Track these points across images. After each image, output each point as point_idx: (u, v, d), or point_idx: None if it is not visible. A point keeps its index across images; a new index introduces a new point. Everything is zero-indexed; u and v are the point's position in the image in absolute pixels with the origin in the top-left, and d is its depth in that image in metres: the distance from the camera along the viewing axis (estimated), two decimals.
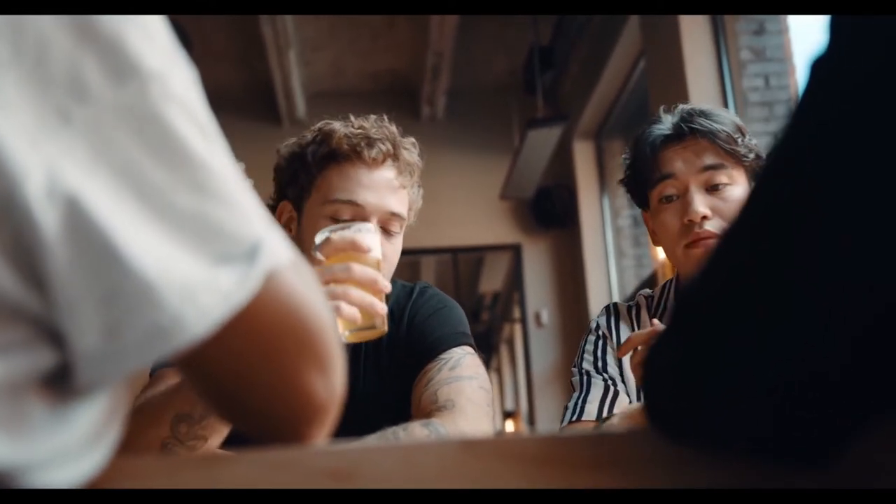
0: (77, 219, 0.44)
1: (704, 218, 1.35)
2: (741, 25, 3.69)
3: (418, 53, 5.79)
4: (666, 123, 1.44)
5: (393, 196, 1.38)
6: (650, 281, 4.76)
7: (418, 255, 6.88)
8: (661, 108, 1.52)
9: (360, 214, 1.35)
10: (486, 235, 6.24)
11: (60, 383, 0.48)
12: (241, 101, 6.11)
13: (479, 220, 6.16)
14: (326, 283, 1.08)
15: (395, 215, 1.38)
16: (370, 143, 1.36)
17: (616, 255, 5.62)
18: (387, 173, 1.38)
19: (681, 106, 1.47)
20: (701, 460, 0.52)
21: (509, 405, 11.14)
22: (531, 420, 6.29)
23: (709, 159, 1.38)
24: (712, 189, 1.38)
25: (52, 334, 0.47)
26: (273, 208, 1.46)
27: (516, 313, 8.25)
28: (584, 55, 5.40)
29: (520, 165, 5.34)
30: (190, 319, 0.47)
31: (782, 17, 3.66)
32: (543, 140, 5.03)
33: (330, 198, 1.36)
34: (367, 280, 1.10)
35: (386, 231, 1.38)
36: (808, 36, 3.71)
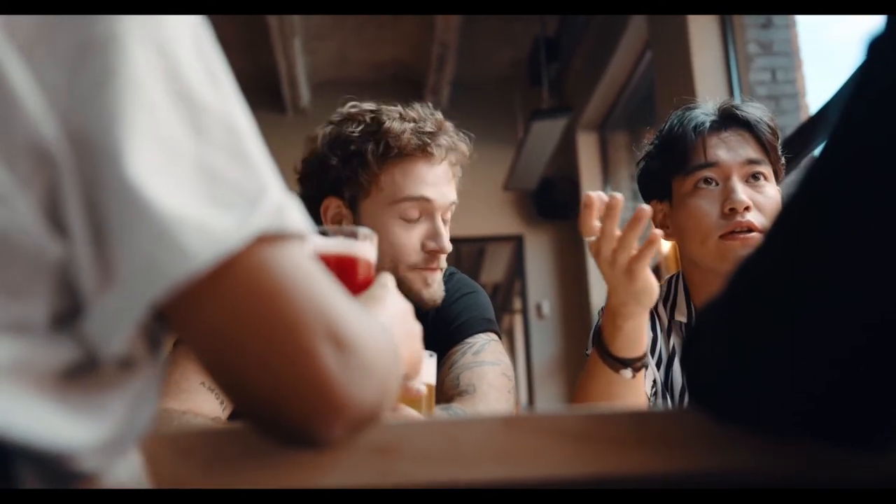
0: (81, 130, 0.45)
1: (747, 209, 1.31)
2: (748, 19, 3.69)
3: (423, 44, 5.77)
4: (709, 109, 1.40)
5: (450, 186, 1.39)
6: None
7: None
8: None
9: (428, 210, 1.35)
10: (489, 226, 6.23)
11: (90, 370, 0.48)
12: (245, 89, 5.81)
13: (482, 211, 6.15)
14: None
15: (452, 203, 1.39)
16: (433, 137, 1.35)
17: None
18: (445, 166, 1.38)
19: (719, 99, 1.44)
20: (745, 440, 0.52)
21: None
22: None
23: (751, 152, 1.36)
24: (752, 180, 1.35)
25: (82, 308, 0.47)
26: (308, 199, 1.39)
27: (516, 304, 8.25)
28: (589, 47, 5.39)
29: (523, 156, 5.33)
30: (174, 259, 0.45)
31: None
32: (547, 131, 5.02)
33: (399, 197, 1.33)
34: None
35: (444, 220, 1.38)
36: (815, 30, 3.71)
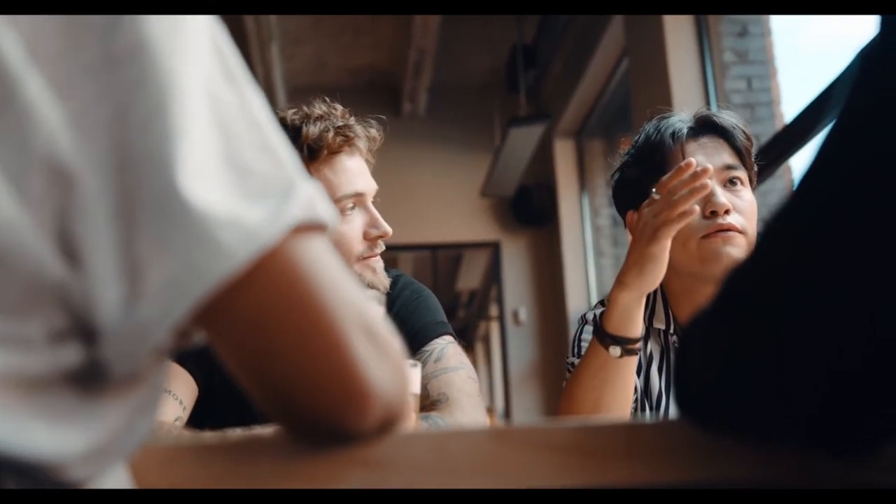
0: (118, 139, 0.44)
1: (727, 212, 1.33)
2: (724, 27, 3.72)
3: (401, 49, 5.78)
4: (684, 117, 1.43)
5: (369, 172, 1.42)
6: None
7: (397, 251, 6.87)
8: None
9: (362, 201, 1.38)
10: (466, 232, 6.24)
11: (92, 379, 0.47)
12: None
13: (459, 217, 6.16)
14: None
15: (375, 189, 1.42)
16: (350, 130, 1.37)
17: (595, 253, 5.65)
18: (362, 155, 1.41)
19: (692, 108, 1.48)
20: (734, 451, 0.53)
21: (484, 402, 11.15)
22: (507, 417, 6.31)
23: (727, 158, 1.39)
24: (729, 185, 1.38)
25: (86, 325, 0.46)
26: None
27: (493, 311, 8.27)
28: (566, 54, 5.42)
29: (501, 163, 5.36)
30: (214, 259, 0.44)
31: (765, 19, 3.69)
32: (525, 138, 5.05)
33: (336, 197, 1.34)
34: None
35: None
36: (790, 39, 3.75)
